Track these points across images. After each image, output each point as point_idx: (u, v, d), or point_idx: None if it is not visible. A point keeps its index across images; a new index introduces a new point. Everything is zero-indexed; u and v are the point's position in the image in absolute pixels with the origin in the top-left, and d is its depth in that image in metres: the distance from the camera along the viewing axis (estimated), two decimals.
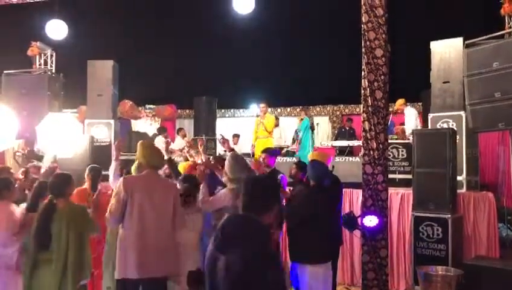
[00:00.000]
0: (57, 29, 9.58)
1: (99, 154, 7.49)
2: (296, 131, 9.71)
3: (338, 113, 12.85)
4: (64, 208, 3.80)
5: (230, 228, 2.13)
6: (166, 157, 5.34)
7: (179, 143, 10.20)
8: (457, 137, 6.10)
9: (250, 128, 9.94)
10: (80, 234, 3.80)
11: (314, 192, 4.27)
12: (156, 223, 3.67)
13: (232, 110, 13.81)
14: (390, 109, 9.30)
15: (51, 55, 9.24)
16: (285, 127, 10.85)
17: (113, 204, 3.67)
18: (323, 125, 12.41)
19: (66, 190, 3.89)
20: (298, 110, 9.23)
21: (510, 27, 6.34)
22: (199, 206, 4.22)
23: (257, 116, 10.07)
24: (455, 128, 6.13)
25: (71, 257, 3.71)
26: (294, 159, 8.05)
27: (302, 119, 9.79)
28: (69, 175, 4.00)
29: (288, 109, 13.16)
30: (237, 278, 1.97)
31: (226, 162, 4.43)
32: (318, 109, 13.12)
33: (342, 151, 9.29)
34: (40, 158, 6.67)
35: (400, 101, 9.12)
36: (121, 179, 3.79)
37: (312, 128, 9.39)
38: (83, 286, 3.87)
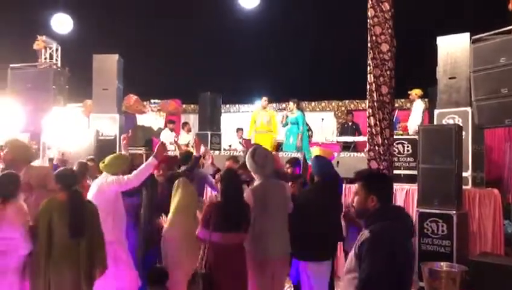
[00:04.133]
0: (62, 22, 9.60)
1: (104, 149, 7.52)
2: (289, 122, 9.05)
3: (343, 108, 12.79)
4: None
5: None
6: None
7: (183, 138, 10.22)
8: (463, 133, 6.05)
9: None
10: None
11: (324, 187, 4.30)
12: None
13: (237, 106, 13.80)
14: (396, 105, 9.22)
15: (56, 49, 9.23)
16: None
17: None
18: (328, 121, 12.37)
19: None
20: (291, 104, 8.91)
21: None
22: None
23: (263, 108, 9.75)
24: (461, 125, 6.09)
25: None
26: (300, 155, 8.01)
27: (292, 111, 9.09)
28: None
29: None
30: None
31: (246, 159, 4.45)
32: (323, 104, 13.08)
33: (346, 146, 9.24)
34: None
35: (417, 90, 8.89)
36: None
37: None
38: None
